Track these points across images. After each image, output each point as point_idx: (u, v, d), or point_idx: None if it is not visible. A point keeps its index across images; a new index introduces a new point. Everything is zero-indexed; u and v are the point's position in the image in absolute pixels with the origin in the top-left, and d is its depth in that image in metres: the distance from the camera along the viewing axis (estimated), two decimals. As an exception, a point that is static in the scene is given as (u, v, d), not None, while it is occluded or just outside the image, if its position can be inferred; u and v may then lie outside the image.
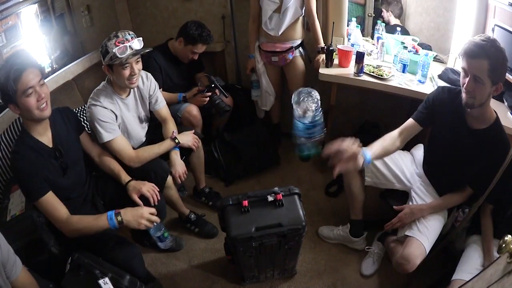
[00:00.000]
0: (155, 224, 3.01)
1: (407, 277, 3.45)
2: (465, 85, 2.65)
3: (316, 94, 3.30)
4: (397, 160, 3.44)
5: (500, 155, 2.70)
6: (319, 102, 3.28)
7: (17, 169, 2.69)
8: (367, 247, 3.76)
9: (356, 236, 3.84)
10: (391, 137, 3.20)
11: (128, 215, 2.86)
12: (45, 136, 2.85)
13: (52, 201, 2.77)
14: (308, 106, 3.23)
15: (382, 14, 4.61)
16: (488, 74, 2.53)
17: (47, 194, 2.74)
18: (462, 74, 2.71)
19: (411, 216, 3.10)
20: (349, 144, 2.95)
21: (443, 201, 3.16)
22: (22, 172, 2.68)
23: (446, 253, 3.43)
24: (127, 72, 3.23)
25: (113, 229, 2.85)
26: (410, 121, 3.19)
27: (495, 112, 2.84)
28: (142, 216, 2.89)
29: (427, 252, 2.96)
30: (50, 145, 2.87)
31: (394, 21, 4.61)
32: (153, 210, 2.98)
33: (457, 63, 3.79)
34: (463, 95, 2.71)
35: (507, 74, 3.05)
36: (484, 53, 2.51)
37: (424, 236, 2.99)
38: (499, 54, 2.53)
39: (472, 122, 2.86)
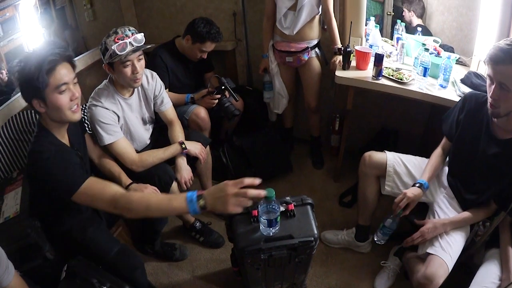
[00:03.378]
0: (262, 203, 2.56)
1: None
2: (490, 93, 2.63)
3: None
4: (421, 169, 3.39)
5: None
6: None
7: (46, 168, 2.51)
8: (382, 262, 3.73)
9: (361, 240, 3.87)
10: (437, 155, 3.31)
11: (211, 196, 2.26)
12: (64, 139, 2.79)
13: (98, 182, 2.55)
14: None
15: (404, 14, 4.56)
16: None
17: (89, 178, 2.54)
18: (488, 81, 2.68)
19: (433, 232, 3.04)
20: (413, 192, 3.16)
21: (467, 216, 3.10)
22: (54, 168, 2.50)
23: (463, 268, 3.37)
24: (128, 70, 3.23)
25: (192, 214, 2.35)
26: (444, 139, 3.28)
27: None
28: (227, 192, 2.24)
29: (450, 271, 2.91)
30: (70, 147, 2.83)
31: (416, 21, 4.58)
32: (249, 180, 2.35)
33: (480, 66, 3.74)
34: (489, 104, 2.68)
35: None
36: (510, 59, 2.46)
37: (447, 254, 2.94)
38: None
39: (498, 131, 2.83)
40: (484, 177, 2.99)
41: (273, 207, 2.61)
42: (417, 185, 3.17)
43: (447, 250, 2.95)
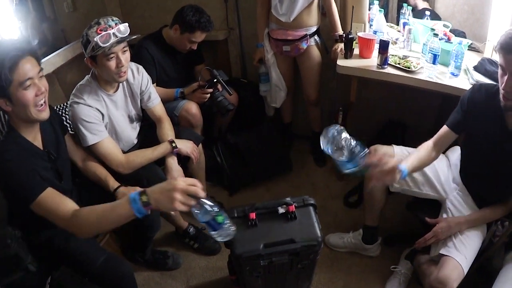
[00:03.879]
0: (201, 202, 2.24)
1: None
2: (503, 85, 2.60)
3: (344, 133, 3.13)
4: (432, 164, 3.33)
5: None
6: (349, 137, 3.11)
7: (6, 169, 2.51)
8: (392, 266, 3.70)
9: (369, 243, 3.86)
10: (426, 148, 3.17)
11: (155, 192, 2.17)
12: (36, 140, 2.77)
13: (54, 196, 2.55)
14: (340, 144, 3.10)
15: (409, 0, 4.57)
16: None
17: (47, 189, 2.53)
18: (499, 71, 2.63)
19: (447, 231, 3.01)
20: (389, 155, 3.15)
21: (483, 214, 3.07)
22: (13, 172, 2.51)
23: (481, 271, 3.35)
24: (113, 63, 3.19)
25: (139, 216, 2.21)
26: (444, 128, 3.14)
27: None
28: (175, 187, 2.13)
29: (465, 274, 2.88)
30: (41, 149, 2.80)
31: (422, 4, 4.58)
32: (192, 180, 2.27)
33: (495, 52, 3.73)
34: (501, 96, 2.66)
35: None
36: None
37: (462, 255, 2.91)
38: None
39: None
40: (499, 174, 2.96)
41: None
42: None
43: (462, 251, 2.92)
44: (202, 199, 2.20)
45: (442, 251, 2.96)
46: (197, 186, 2.20)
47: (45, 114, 2.62)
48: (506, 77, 2.54)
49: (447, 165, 3.45)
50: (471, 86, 3.10)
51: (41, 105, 2.57)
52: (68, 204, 2.49)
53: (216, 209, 2.30)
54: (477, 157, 3.11)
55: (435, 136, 3.18)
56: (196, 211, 2.20)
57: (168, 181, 2.23)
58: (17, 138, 2.64)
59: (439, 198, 3.38)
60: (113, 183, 3.27)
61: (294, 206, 2.94)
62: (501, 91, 2.63)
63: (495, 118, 2.84)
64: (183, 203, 2.12)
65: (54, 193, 2.53)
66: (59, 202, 2.50)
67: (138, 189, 2.85)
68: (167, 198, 2.12)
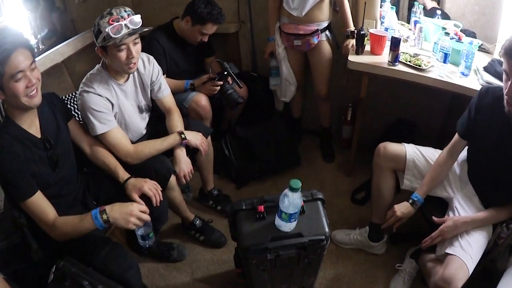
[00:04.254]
0: (146, 224, 2.96)
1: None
2: (506, 90, 2.60)
3: None
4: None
5: None
6: None
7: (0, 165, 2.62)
8: (397, 264, 3.70)
9: (375, 240, 3.86)
10: (440, 163, 3.29)
11: (115, 212, 2.73)
12: (33, 126, 2.80)
13: (40, 202, 2.73)
14: None
15: (417, -1, 4.56)
16: None
17: (35, 194, 2.70)
18: (504, 76, 2.64)
19: (454, 230, 2.99)
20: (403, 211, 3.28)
21: (490, 214, 3.04)
22: (6, 168, 2.61)
23: (484, 273, 3.35)
24: (123, 54, 3.17)
25: (101, 229, 2.79)
26: (456, 136, 3.21)
27: None
28: (131, 213, 2.75)
29: (470, 274, 2.87)
30: (39, 136, 2.82)
31: (430, 4, 4.56)
32: (144, 207, 2.87)
33: (499, 57, 3.72)
34: (505, 102, 2.66)
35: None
36: None
37: (467, 254, 2.89)
38: None
39: None
40: (505, 176, 2.95)
41: (296, 200, 2.65)
42: (410, 201, 3.26)
43: (468, 251, 2.90)
44: (147, 223, 2.90)
45: (448, 250, 2.95)
46: (147, 213, 2.83)
47: (36, 100, 2.66)
48: (510, 82, 2.55)
49: (455, 165, 3.42)
50: (479, 87, 3.10)
51: (32, 93, 2.60)
52: (50, 212, 2.76)
53: (150, 228, 3.09)
54: (484, 161, 3.11)
55: (449, 145, 3.25)
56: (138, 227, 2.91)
57: (126, 206, 2.78)
58: (12, 127, 2.70)
59: (446, 197, 3.37)
60: (123, 174, 3.26)
61: (303, 200, 2.88)
62: (505, 97, 2.63)
63: (501, 122, 2.84)
64: (134, 224, 2.75)
65: (41, 199, 2.76)
66: (44, 209, 2.75)
67: (149, 181, 3.15)
68: (123, 219, 2.73)
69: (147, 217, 2.83)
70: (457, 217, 3.08)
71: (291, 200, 2.60)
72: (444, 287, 2.81)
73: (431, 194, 3.39)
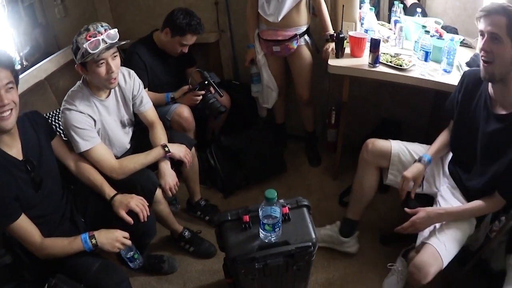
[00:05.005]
0: (129, 247, 3.17)
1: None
2: (481, 47, 2.68)
3: None
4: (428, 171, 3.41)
5: None
6: None
7: None
8: (389, 264, 3.69)
9: (346, 235, 3.87)
10: (445, 135, 3.37)
11: (102, 237, 2.93)
12: (14, 148, 2.78)
13: (25, 225, 2.73)
14: None
15: (397, -5, 4.57)
16: (507, 32, 2.55)
17: (19, 218, 2.69)
18: (479, 40, 2.72)
19: (426, 221, 3.02)
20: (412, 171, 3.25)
21: (468, 208, 3.04)
22: None
23: (480, 272, 3.35)
24: (103, 70, 3.17)
25: (88, 251, 2.88)
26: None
27: None
28: (117, 239, 2.98)
29: (444, 263, 2.90)
30: (20, 157, 2.81)
31: (411, 0, 4.58)
32: (126, 234, 3.05)
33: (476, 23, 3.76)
34: (482, 62, 2.72)
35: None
36: (502, 10, 2.56)
37: (441, 243, 2.92)
38: None
39: (497, 106, 2.85)
40: (483, 158, 2.98)
41: (274, 210, 2.64)
42: (417, 159, 3.30)
43: (441, 240, 2.94)
44: (129, 246, 3.15)
45: (423, 239, 3.01)
46: (128, 238, 3.04)
47: (7, 123, 2.60)
48: (483, 39, 2.66)
49: (439, 161, 3.46)
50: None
51: (5, 116, 2.57)
52: (35, 234, 2.79)
53: (134, 250, 3.32)
54: (464, 142, 3.14)
55: (449, 125, 3.33)
56: (123, 251, 3.15)
57: (112, 232, 2.99)
58: None
59: (431, 192, 3.43)
60: (109, 191, 3.26)
61: (288, 208, 2.93)
62: (481, 55, 2.70)
63: (481, 101, 2.92)
64: (118, 248, 2.99)
65: (25, 222, 2.77)
66: (29, 231, 2.77)
67: (135, 197, 3.24)
68: (109, 244, 2.95)
69: (129, 242, 3.07)
70: (431, 208, 3.11)
71: (270, 210, 2.61)
72: (415, 273, 2.88)
73: (418, 191, 3.40)
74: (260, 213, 2.63)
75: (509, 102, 2.75)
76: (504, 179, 2.86)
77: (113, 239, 2.95)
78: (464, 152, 3.18)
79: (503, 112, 2.79)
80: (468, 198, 3.14)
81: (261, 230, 2.72)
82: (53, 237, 2.85)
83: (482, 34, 2.67)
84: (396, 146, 3.47)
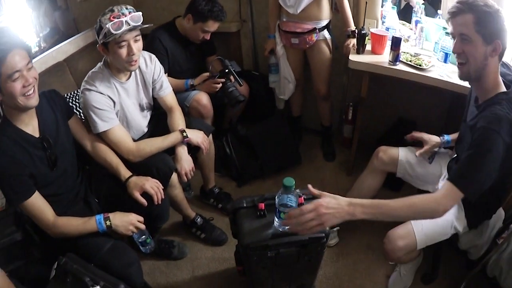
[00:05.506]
0: (142, 231, 3.18)
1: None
2: (453, 48, 2.71)
3: None
4: (436, 160, 3.48)
5: (482, 134, 2.57)
6: None
7: None
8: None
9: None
10: None
11: (117, 220, 2.98)
12: (30, 126, 2.82)
13: (38, 203, 2.77)
14: None
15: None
16: (475, 29, 2.55)
17: (32, 196, 2.73)
18: (453, 42, 2.73)
19: (328, 207, 2.40)
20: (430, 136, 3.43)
21: (393, 203, 2.53)
22: (3, 170, 2.64)
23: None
24: (124, 51, 3.18)
25: (101, 232, 2.93)
26: None
27: (508, 85, 2.78)
28: (131, 222, 3.03)
29: (418, 243, 2.97)
30: (37, 135, 2.84)
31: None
32: (140, 218, 3.10)
33: (505, 54, 3.74)
34: (457, 63, 2.77)
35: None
36: (467, 7, 2.55)
37: (419, 224, 2.98)
38: (487, 7, 2.54)
39: (478, 95, 2.89)
40: (461, 150, 3.02)
41: (291, 199, 2.60)
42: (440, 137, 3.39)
43: (422, 223, 2.99)
44: (142, 230, 3.17)
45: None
46: (142, 222, 3.10)
47: (33, 101, 2.67)
48: (454, 41, 2.69)
49: (442, 162, 3.52)
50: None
51: (29, 93, 2.61)
52: (48, 212, 2.83)
53: (146, 235, 3.28)
54: (461, 141, 3.16)
55: None
56: (135, 234, 3.15)
57: (127, 215, 3.04)
58: (9, 128, 2.74)
59: (432, 188, 3.49)
60: (124, 172, 3.28)
61: (303, 198, 2.88)
62: (455, 56, 2.76)
63: (473, 100, 2.96)
64: (132, 231, 3.04)
65: (39, 200, 2.82)
66: (42, 209, 2.81)
67: (150, 179, 3.23)
68: (123, 227, 2.99)
69: (143, 226, 3.11)
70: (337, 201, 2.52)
71: (286, 199, 2.58)
72: (385, 243, 3.03)
73: (421, 188, 3.57)
74: (277, 201, 2.61)
75: (484, 94, 2.78)
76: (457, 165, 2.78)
77: (127, 222, 2.99)
78: (460, 147, 3.17)
79: (479, 102, 2.84)
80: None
81: (276, 218, 2.71)
82: (67, 216, 2.89)
83: (453, 36, 2.71)
84: (404, 156, 3.59)
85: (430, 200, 2.54)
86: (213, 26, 4.27)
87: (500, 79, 2.75)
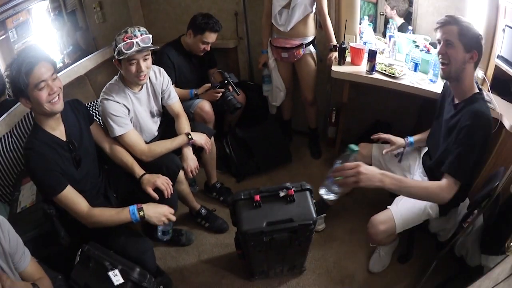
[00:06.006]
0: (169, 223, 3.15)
1: (416, 278, 3.50)
2: (438, 52, 2.84)
3: None
4: (406, 157, 3.56)
5: (468, 130, 2.70)
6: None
7: (32, 166, 2.69)
8: (372, 243, 3.72)
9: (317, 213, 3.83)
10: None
11: (150, 210, 2.96)
12: (57, 130, 2.85)
13: (71, 195, 2.80)
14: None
15: (385, 9, 4.58)
16: (458, 38, 2.73)
17: (66, 188, 2.76)
18: (437, 48, 2.88)
19: (370, 175, 2.48)
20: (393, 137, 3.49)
21: (415, 182, 2.97)
22: (38, 169, 2.68)
23: (459, 268, 3.34)
24: (133, 68, 3.23)
25: (134, 222, 2.94)
26: None
27: (480, 89, 2.90)
28: (164, 213, 3.01)
29: (397, 227, 3.02)
30: (64, 139, 2.88)
31: (399, 20, 4.59)
32: (172, 210, 3.09)
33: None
34: (440, 67, 2.88)
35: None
36: (454, 20, 2.74)
37: (398, 210, 3.06)
38: (469, 26, 2.73)
39: (455, 95, 2.99)
40: (442, 144, 3.05)
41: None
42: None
43: (400, 208, 3.09)
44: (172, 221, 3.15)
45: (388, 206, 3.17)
46: (173, 214, 3.09)
47: (58, 107, 2.72)
48: (440, 45, 2.83)
49: (415, 153, 3.59)
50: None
51: (54, 100, 2.66)
52: (82, 203, 2.85)
53: (170, 226, 3.53)
54: (434, 134, 3.25)
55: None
56: (160, 225, 3.18)
57: (160, 207, 3.03)
58: (39, 133, 2.78)
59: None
60: (138, 170, 3.32)
61: (293, 190, 2.97)
62: (439, 61, 2.87)
63: (450, 99, 3.06)
64: (162, 222, 3.01)
65: (72, 192, 2.84)
66: (76, 200, 2.84)
67: (161, 176, 3.27)
68: (156, 218, 2.98)
69: (174, 218, 3.09)
70: (377, 171, 2.60)
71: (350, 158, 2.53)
72: (369, 228, 3.10)
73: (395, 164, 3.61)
74: (335, 164, 2.56)
75: (462, 94, 2.89)
76: (447, 156, 2.83)
77: (160, 213, 2.99)
78: (432, 142, 3.27)
79: (457, 102, 2.94)
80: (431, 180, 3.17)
81: (327, 184, 2.61)
82: (101, 207, 2.94)
83: (439, 41, 2.83)
84: (376, 152, 3.72)
85: (438, 187, 2.70)
86: (210, 37, 4.28)
87: (475, 82, 2.87)
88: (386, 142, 3.65)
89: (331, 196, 2.63)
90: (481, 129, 2.70)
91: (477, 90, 2.86)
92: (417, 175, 3.42)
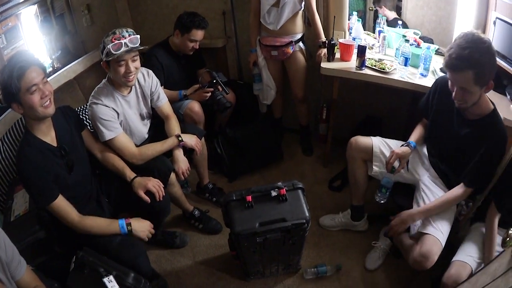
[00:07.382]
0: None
1: (412, 272, 3.48)
2: (454, 95, 2.74)
3: None
4: (410, 161, 3.47)
5: (494, 147, 2.78)
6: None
7: (24, 173, 2.70)
8: (373, 242, 3.75)
9: (357, 220, 3.91)
10: (421, 126, 3.47)
11: (136, 225, 3.05)
12: (48, 136, 2.86)
13: (63, 204, 2.82)
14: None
15: (379, 12, 4.60)
16: (474, 83, 2.59)
17: (57, 198, 2.77)
18: (449, 83, 2.78)
19: (402, 224, 3.10)
20: (400, 149, 3.34)
21: (437, 204, 3.08)
22: (30, 176, 2.70)
23: (448, 244, 3.36)
24: (122, 69, 3.22)
25: (123, 235, 3.00)
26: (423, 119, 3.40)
27: (493, 103, 2.85)
28: (147, 228, 3.12)
29: (443, 245, 2.95)
30: (55, 144, 2.88)
31: (391, 15, 4.59)
32: (151, 224, 3.20)
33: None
34: (456, 103, 2.82)
35: (508, 66, 3.09)
36: (468, 64, 2.55)
37: (438, 231, 2.97)
38: (484, 58, 2.56)
39: (467, 114, 2.91)
40: (458, 157, 3.04)
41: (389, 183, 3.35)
42: (405, 144, 3.32)
43: (438, 227, 2.99)
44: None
45: (421, 229, 3.04)
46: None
47: (50, 110, 2.73)
48: (455, 89, 2.71)
49: (417, 154, 3.48)
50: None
51: (46, 104, 2.67)
52: (73, 212, 2.89)
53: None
54: (440, 143, 3.22)
55: (422, 122, 3.44)
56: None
57: (144, 222, 3.14)
58: (30, 139, 2.78)
59: (412, 181, 3.46)
60: (130, 173, 3.31)
61: (285, 189, 2.96)
62: (455, 100, 2.79)
63: (453, 107, 2.95)
64: (147, 236, 3.12)
65: (63, 201, 2.86)
66: (67, 210, 2.87)
67: (152, 179, 3.29)
68: (142, 232, 3.08)
69: (153, 231, 3.19)
70: (405, 212, 3.17)
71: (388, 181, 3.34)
72: (422, 261, 2.90)
73: (401, 181, 3.51)
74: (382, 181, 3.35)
75: (479, 111, 2.83)
76: (470, 172, 2.92)
77: (145, 228, 3.10)
78: (439, 149, 3.24)
79: (473, 118, 2.87)
80: (448, 185, 3.21)
81: (378, 192, 3.42)
82: (93, 217, 2.96)
83: (452, 84, 2.73)
84: (377, 141, 3.51)
85: (457, 196, 3.03)
86: (197, 34, 4.27)
87: (488, 98, 2.83)
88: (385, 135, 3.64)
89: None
90: (504, 146, 2.82)
91: (492, 106, 2.82)
92: (427, 179, 3.36)
